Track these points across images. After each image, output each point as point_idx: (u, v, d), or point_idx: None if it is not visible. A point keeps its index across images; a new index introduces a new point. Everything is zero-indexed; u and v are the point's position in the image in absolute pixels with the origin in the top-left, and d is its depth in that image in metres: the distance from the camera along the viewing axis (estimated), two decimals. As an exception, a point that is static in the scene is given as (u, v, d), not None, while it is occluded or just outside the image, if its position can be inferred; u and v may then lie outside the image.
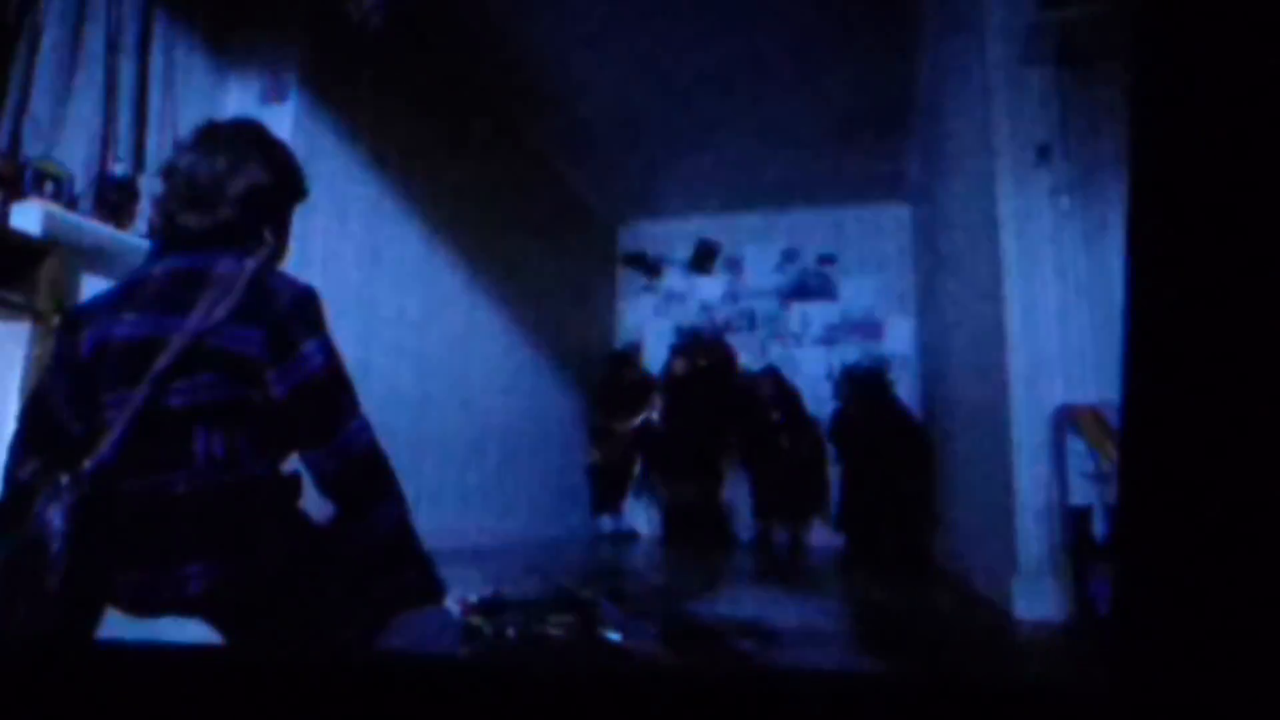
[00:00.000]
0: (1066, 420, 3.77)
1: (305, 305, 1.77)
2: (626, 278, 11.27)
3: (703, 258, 10.95)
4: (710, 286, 10.92)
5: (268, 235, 1.89)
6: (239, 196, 1.83)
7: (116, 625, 1.63)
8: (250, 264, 1.76)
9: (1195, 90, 0.71)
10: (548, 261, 9.21)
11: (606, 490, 9.72)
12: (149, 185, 4.35)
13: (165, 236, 1.87)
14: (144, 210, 4.38)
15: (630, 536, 9.54)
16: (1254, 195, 0.68)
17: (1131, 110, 0.76)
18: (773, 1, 6.43)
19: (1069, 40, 4.04)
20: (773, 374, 9.50)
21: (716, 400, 9.24)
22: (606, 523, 9.70)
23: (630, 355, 10.39)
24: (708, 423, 9.12)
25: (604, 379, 10.05)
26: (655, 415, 9.60)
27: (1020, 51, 4.13)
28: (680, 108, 8.09)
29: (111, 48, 4.53)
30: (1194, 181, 0.71)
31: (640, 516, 9.85)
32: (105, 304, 1.80)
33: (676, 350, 9.94)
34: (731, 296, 10.83)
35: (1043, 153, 4.08)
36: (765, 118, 8.23)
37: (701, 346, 9.79)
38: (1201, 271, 0.70)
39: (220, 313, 1.67)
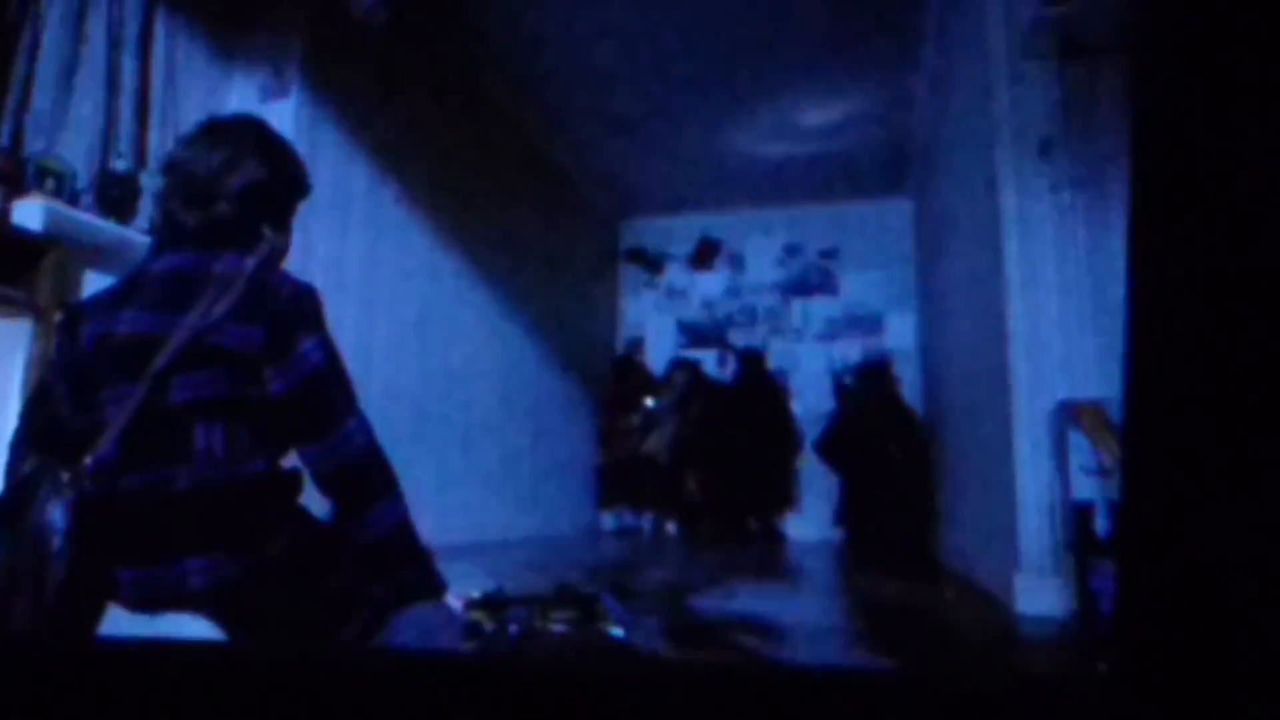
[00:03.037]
0: (1068, 416, 3.76)
1: (304, 302, 1.77)
2: (628, 274, 11.29)
3: (704, 254, 10.96)
4: (712, 282, 10.95)
5: (268, 232, 1.88)
6: (237, 192, 1.83)
7: (118, 622, 1.63)
8: (250, 262, 1.76)
9: (1198, 85, 0.71)
10: (549, 257, 9.22)
11: (613, 488, 9.82)
12: (150, 181, 4.34)
13: (165, 233, 1.87)
14: (144, 207, 4.38)
15: (635, 532, 9.64)
16: (1257, 191, 0.68)
17: (1133, 104, 0.76)
18: (777, 3, 6.43)
19: (1071, 34, 4.03)
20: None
21: (756, 403, 9.42)
22: (611, 519, 9.83)
23: (634, 358, 10.54)
24: (748, 425, 9.27)
25: (610, 383, 10.20)
26: (651, 402, 9.80)
27: (1022, 46, 4.12)
28: (682, 104, 8.10)
29: (113, 44, 4.53)
30: (1196, 176, 0.71)
31: (645, 513, 9.89)
32: (106, 300, 1.80)
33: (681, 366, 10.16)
34: (733, 292, 10.86)
35: (1044, 147, 4.07)
36: (767, 112, 8.25)
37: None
38: (1204, 266, 0.70)
39: (220, 310, 1.67)
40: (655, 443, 9.61)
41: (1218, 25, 0.69)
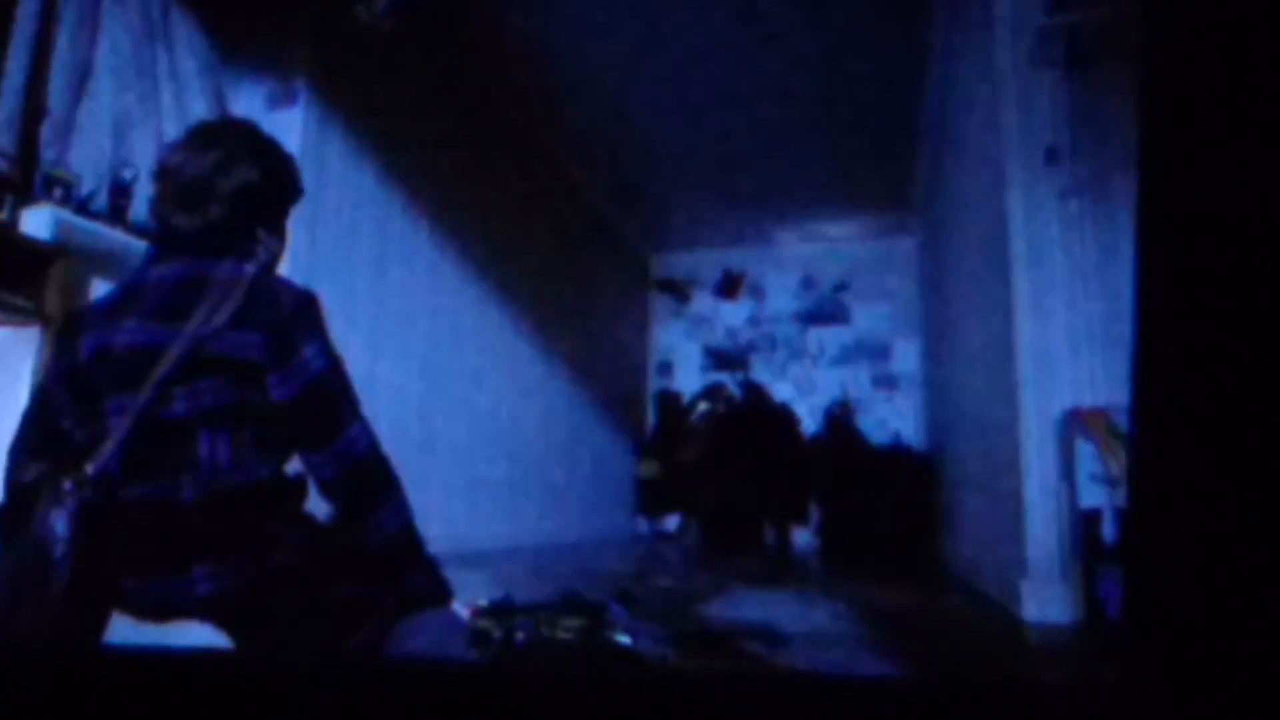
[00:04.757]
0: (1075, 423, 3.75)
1: (305, 309, 1.76)
2: (658, 302, 12.28)
3: (729, 285, 11.97)
4: (735, 311, 12.00)
5: (262, 235, 1.87)
6: (229, 195, 1.80)
7: (125, 631, 1.63)
8: (250, 269, 1.75)
9: (1205, 93, 0.71)
10: (571, 275, 9.45)
11: (655, 501, 10.65)
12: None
13: (160, 239, 1.85)
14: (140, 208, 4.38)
15: (665, 536, 10.23)
16: (1264, 198, 0.68)
17: (1141, 113, 0.75)
18: (791, 38, 6.50)
19: (1078, 43, 4.03)
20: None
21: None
22: (645, 525, 10.68)
23: (670, 389, 11.53)
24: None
25: (657, 409, 11.39)
26: (702, 406, 10.33)
27: (1029, 55, 4.12)
28: (709, 143, 8.42)
29: (126, 53, 4.52)
30: (1204, 184, 0.70)
31: (673, 520, 10.47)
32: (104, 309, 1.78)
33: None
34: (754, 320, 11.92)
35: (1051, 155, 4.07)
36: (785, 153, 8.61)
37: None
38: (1211, 274, 0.69)
39: (220, 318, 1.66)
40: (695, 448, 9.91)
41: (1225, 34, 0.69)
